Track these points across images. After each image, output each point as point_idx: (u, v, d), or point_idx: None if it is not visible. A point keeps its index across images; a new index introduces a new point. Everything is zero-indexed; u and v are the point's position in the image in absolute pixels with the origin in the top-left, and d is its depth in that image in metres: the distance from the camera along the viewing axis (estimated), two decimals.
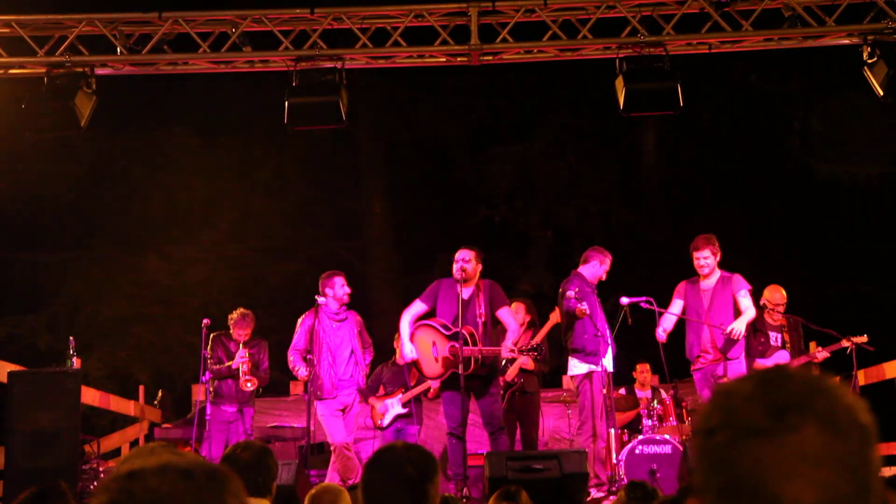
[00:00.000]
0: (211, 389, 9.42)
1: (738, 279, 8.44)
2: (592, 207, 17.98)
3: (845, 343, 9.38)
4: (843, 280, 16.25)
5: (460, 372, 7.92)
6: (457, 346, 8.02)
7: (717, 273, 8.47)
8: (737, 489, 1.20)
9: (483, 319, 8.27)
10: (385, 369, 10.40)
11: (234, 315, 9.46)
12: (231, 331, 9.44)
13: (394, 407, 10.01)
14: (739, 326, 8.19)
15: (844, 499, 1.17)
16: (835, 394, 1.23)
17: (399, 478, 2.77)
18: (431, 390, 9.97)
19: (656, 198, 18.57)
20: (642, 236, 17.80)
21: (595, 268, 8.65)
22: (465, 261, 8.26)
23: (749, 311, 8.32)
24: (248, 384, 9.22)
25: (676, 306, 8.61)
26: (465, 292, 8.31)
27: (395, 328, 11.16)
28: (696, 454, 1.28)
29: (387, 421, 9.98)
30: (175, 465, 1.36)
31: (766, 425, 1.20)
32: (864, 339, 9.14)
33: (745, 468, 1.19)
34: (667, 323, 8.54)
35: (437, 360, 8.23)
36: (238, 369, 9.23)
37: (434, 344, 8.27)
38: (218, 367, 9.36)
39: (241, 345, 9.35)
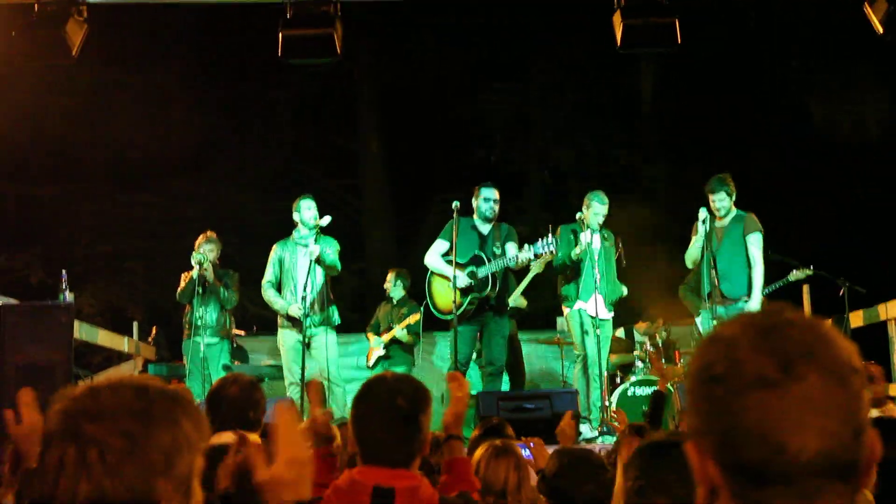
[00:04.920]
0: (187, 321, 9.27)
1: (750, 220, 8.34)
2: (590, 148, 17.84)
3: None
4: (841, 224, 16.20)
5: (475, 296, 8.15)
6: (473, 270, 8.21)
7: (733, 212, 8.38)
8: (742, 437, 1.22)
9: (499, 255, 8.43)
10: (380, 308, 10.37)
11: (199, 239, 9.29)
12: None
13: (378, 347, 9.99)
14: (753, 305, 8.09)
15: (844, 444, 1.21)
16: (835, 340, 1.25)
17: (390, 411, 2.67)
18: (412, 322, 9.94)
19: (654, 138, 18.42)
20: (640, 177, 17.70)
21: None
22: (496, 201, 8.47)
23: (758, 268, 8.19)
24: (205, 271, 9.01)
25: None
26: (485, 229, 8.43)
27: (389, 266, 11.18)
28: (692, 398, 1.28)
29: (372, 361, 9.96)
30: (131, 382, 1.45)
31: (775, 377, 1.21)
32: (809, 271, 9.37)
33: (752, 418, 1.21)
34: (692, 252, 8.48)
35: (455, 292, 8.22)
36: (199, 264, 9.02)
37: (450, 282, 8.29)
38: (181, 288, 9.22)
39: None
